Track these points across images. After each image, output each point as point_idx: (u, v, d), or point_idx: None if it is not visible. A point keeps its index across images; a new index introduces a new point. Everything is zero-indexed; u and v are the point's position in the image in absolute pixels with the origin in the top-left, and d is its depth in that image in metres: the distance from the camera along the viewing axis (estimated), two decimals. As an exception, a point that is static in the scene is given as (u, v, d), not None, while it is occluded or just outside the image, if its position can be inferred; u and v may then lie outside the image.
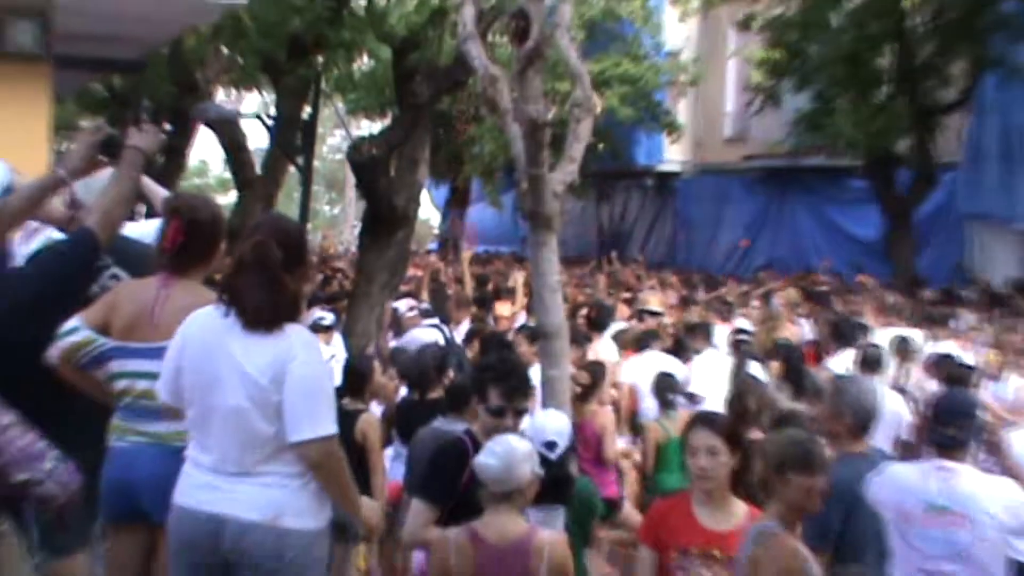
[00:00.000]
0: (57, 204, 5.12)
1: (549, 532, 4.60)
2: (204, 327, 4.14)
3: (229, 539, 4.02)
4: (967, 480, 5.14)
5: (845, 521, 5.12)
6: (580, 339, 9.64)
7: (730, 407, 7.36)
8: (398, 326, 11.38)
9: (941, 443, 5.24)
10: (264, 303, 4.05)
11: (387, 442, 7.61)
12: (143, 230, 5.44)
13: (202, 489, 4.07)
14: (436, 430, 6.09)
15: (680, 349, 10.09)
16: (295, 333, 4.17)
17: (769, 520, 4.32)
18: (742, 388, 7.55)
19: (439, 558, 4.53)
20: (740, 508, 4.65)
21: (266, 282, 4.05)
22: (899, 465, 5.46)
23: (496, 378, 5.15)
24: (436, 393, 7.32)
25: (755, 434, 6.42)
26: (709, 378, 9.20)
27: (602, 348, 10.18)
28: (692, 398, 8.74)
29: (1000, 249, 19.73)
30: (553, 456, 5.06)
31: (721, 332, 11.13)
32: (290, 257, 4.11)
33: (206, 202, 4.94)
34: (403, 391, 7.96)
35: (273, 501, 4.04)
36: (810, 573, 4.19)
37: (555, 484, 4.98)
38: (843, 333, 10.21)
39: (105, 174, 4.96)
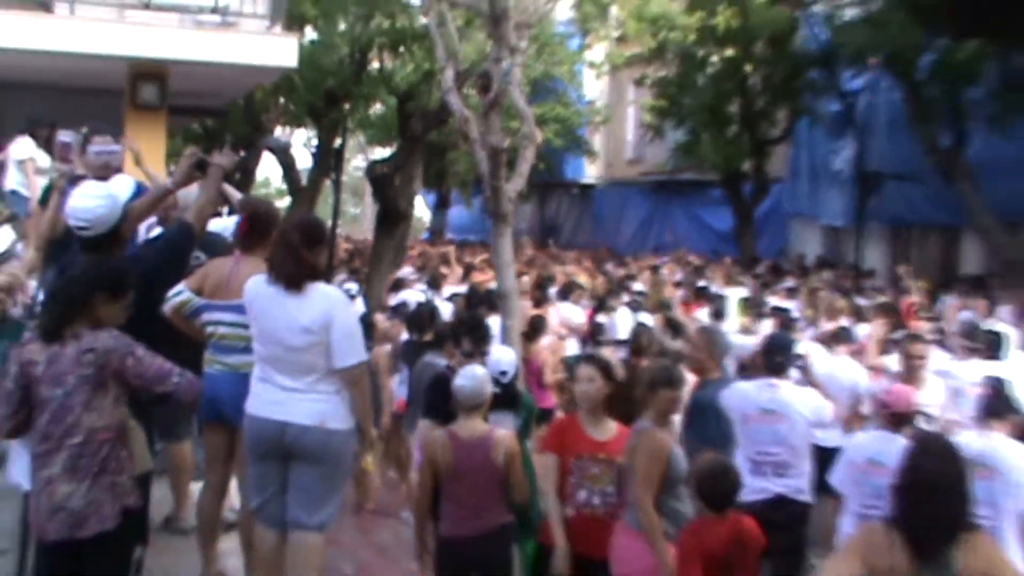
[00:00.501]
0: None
1: (504, 431, 4.63)
2: (261, 291, 4.12)
3: (290, 437, 4.03)
4: (786, 392, 5.24)
5: (716, 426, 5.15)
6: (541, 300, 9.73)
7: (630, 344, 7.44)
8: (399, 287, 11.37)
9: (770, 367, 5.33)
10: (291, 270, 4.03)
11: (395, 371, 7.60)
12: (224, 224, 5.47)
13: (271, 403, 4.07)
14: (427, 363, 6.08)
15: (603, 306, 10.13)
16: (333, 292, 4.21)
17: (644, 422, 4.36)
18: (638, 331, 7.62)
19: (429, 451, 4.56)
20: (613, 424, 4.64)
21: (290, 256, 4.04)
22: (742, 383, 5.54)
23: (468, 330, 5.22)
24: (428, 336, 7.32)
25: (643, 363, 6.48)
26: (625, 327, 9.19)
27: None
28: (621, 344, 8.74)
29: (810, 237, 19.96)
30: (505, 380, 5.09)
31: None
32: (307, 239, 4.08)
33: (266, 203, 5.03)
34: (404, 335, 7.95)
35: (321, 411, 4.04)
36: (673, 457, 4.24)
37: (507, 399, 5.04)
38: (702, 295, 10.29)
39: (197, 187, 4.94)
